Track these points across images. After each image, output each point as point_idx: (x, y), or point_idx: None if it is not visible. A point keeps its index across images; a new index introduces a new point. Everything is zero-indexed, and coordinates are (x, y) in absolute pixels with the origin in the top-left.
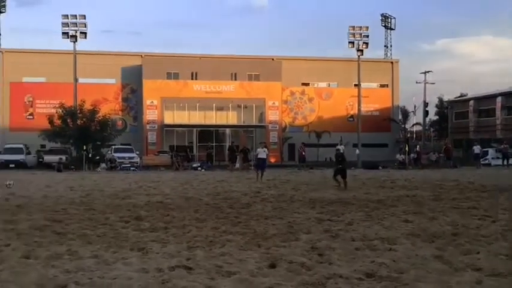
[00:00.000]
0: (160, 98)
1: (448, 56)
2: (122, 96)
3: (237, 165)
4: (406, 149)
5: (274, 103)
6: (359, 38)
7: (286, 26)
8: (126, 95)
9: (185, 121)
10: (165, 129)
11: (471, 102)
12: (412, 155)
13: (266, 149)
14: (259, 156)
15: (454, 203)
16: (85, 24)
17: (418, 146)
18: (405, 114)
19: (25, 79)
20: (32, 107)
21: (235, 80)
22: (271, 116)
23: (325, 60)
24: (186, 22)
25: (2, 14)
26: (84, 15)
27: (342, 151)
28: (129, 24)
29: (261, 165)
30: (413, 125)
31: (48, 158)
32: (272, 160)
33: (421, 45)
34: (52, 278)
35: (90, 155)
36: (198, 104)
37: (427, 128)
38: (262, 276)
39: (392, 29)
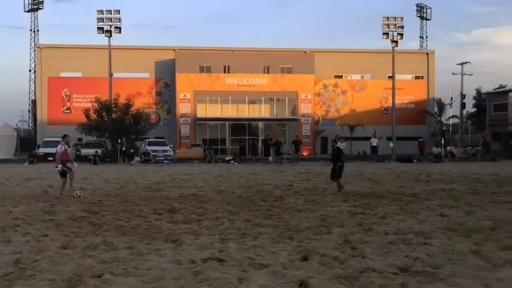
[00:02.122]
0: (193, 91)
1: (486, 46)
2: (156, 90)
3: (270, 158)
4: (442, 141)
5: (306, 96)
6: (393, 29)
7: (318, 18)
8: (160, 89)
9: (218, 114)
10: (198, 123)
11: (510, 93)
12: (448, 147)
13: (345, 143)
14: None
15: (492, 197)
16: (119, 19)
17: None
18: (441, 106)
19: (62, 74)
20: (69, 101)
21: (268, 73)
22: (304, 109)
23: (358, 52)
24: (219, 16)
25: (39, 11)
26: (119, 10)
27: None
28: (162, 19)
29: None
30: (449, 118)
31: (84, 151)
32: (304, 153)
33: (457, 36)
34: (89, 268)
35: (123, 148)
36: (230, 98)
37: (464, 120)
38: (294, 268)
39: (427, 20)
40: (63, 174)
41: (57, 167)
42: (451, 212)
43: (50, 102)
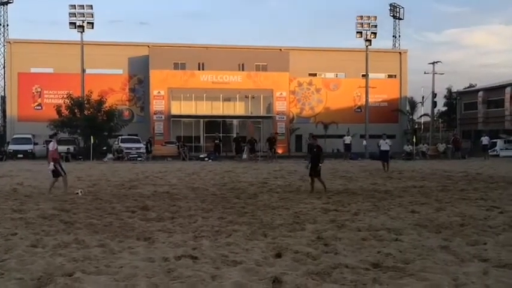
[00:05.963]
0: (167, 88)
1: (457, 46)
2: (129, 87)
3: (244, 156)
4: (414, 140)
5: (281, 94)
6: (367, 28)
7: (293, 16)
8: (133, 86)
9: (192, 112)
10: (172, 120)
11: (480, 93)
12: (420, 145)
13: (388, 141)
14: (381, 148)
15: (461, 194)
16: (92, 14)
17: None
18: (413, 105)
19: (33, 69)
20: (40, 97)
21: (243, 70)
22: (279, 106)
23: (332, 51)
24: (194, 12)
25: (9, 5)
26: (91, 5)
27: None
28: (136, 15)
29: (384, 157)
30: (421, 116)
31: None
32: (280, 151)
33: (429, 36)
34: (59, 266)
35: (94, 144)
36: (205, 95)
37: (435, 119)
38: (268, 265)
39: (400, 19)
40: (55, 173)
41: (50, 165)
42: (422, 209)
43: (20, 98)
